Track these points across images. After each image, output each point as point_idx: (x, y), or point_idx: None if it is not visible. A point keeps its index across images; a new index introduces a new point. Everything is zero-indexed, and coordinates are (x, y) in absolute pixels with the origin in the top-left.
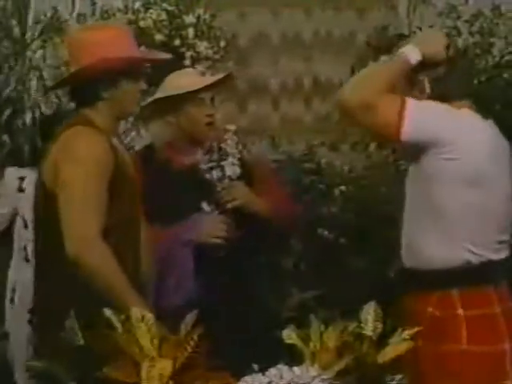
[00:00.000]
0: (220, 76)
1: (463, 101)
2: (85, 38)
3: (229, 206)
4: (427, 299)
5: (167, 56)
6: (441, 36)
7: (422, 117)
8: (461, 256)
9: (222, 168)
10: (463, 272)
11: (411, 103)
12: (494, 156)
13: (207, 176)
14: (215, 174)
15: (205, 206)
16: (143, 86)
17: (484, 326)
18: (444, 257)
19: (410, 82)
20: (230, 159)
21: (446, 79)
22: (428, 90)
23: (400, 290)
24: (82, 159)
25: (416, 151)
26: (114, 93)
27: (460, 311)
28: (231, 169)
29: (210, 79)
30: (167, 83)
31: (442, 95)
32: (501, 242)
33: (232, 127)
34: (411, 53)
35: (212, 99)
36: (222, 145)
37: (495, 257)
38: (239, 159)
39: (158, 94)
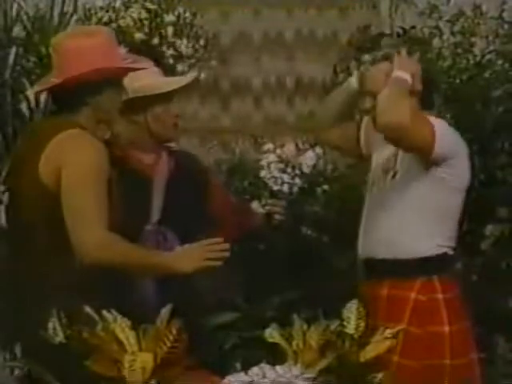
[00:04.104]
0: (189, 78)
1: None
2: (71, 46)
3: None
4: (410, 285)
5: (151, 64)
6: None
7: (445, 134)
8: (441, 248)
9: (291, 186)
10: (441, 261)
11: (436, 122)
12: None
13: (274, 185)
14: (283, 187)
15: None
16: (125, 91)
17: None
18: (430, 247)
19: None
20: (298, 178)
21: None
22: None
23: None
24: (84, 163)
25: (434, 163)
26: (98, 98)
27: (440, 296)
28: (294, 188)
29: (180, 81)
30: (129, 82)
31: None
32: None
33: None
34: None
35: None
36: (301, 162)
37: (451, 251)
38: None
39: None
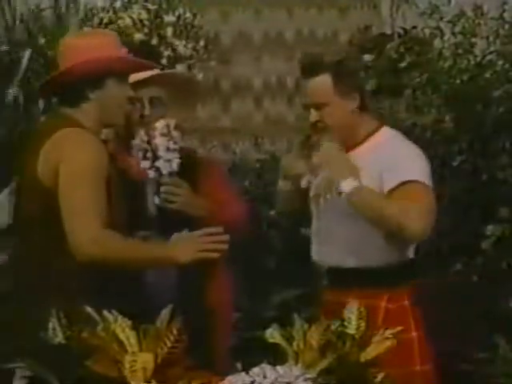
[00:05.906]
0: (151, 73)
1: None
2: (74, 44)
3: (172, 206)
4: (379, 294)
5: (152, 64)
6: None
7: (426, 179)
8: (407, 254)
9: (158, 168)
10: (408, 267)
11: (414, 171)
12: None
13: (149, 174)
14: (152, 173)
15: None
16: (130, 92)
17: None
18: (398, 254)
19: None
20: (163, 157)
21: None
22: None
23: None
24: (82, 160)
25: None
26: (100, 94)
27: (406, 302)
28: (165, 166)
29: (140, 76)
30: None
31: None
32: None
33: (162, 123)
34: None
35: (151, 100)
36: (153, 142)
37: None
38: (175, 153)
39: None
